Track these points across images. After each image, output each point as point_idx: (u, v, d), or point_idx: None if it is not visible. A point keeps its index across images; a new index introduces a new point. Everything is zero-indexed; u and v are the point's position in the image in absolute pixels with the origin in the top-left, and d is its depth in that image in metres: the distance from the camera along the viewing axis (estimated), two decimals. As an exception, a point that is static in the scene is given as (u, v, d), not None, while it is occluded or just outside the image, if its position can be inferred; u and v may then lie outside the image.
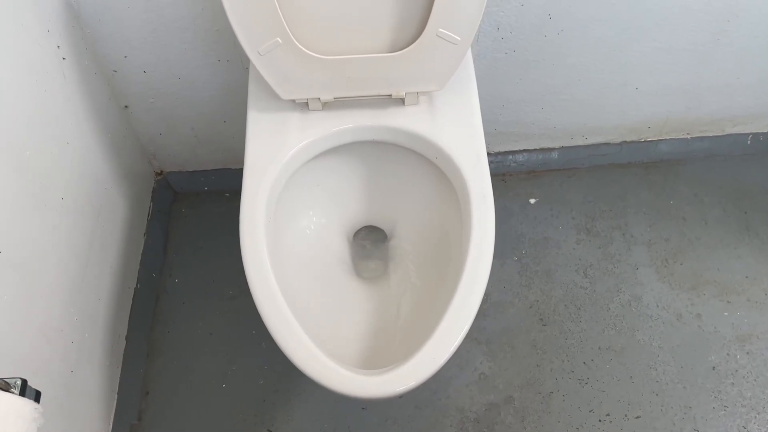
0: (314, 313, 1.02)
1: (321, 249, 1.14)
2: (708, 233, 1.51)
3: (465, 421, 1.27)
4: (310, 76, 0.99)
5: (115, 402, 1.24)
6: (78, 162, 1.13)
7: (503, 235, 1.50)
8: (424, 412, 1.28)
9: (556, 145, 1.56)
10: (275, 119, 1.04)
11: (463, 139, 1.01)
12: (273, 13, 0.89)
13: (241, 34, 0.92)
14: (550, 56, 1.28)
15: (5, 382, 0.63)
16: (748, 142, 1.61)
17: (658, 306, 1.41)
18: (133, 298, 1.34)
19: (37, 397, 0.66)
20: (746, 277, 1.45)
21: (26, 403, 0.62)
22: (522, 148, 1.56)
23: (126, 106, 1.30)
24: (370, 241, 1.24)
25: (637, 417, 1.28)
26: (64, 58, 1.08)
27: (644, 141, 1.58)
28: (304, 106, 1.05)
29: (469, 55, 1.10)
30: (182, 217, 1.53)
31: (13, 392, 0.63)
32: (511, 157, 1.57)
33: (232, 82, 1.26)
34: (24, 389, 0.64)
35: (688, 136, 1.58)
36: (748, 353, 1.35)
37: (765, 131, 1.61)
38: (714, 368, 1.33)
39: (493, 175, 1.00)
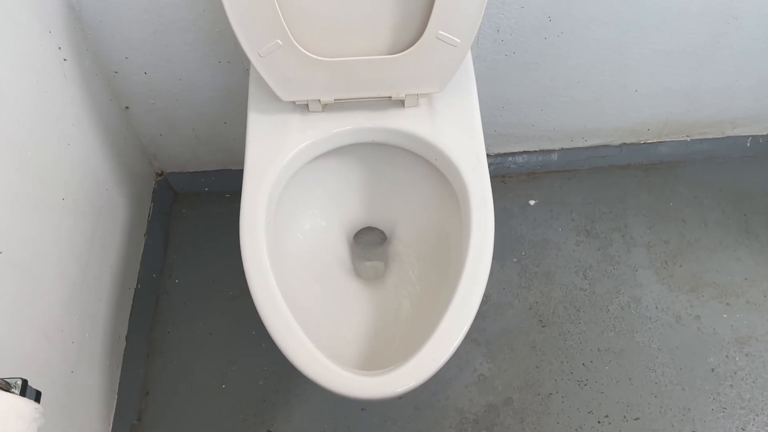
0: (314, 314, 1.03)
1: (321, 250, 1.14)
2: (707, 235, 1.51)
3: (464, 422, 1.28)
4: (310, 78, 0.99)
5: (115, 402, 1.24)
6: (79, 162, 1.13)
7: (503, 236, 1.50)
8: (423, 413, 1.28)
9: (556, 146, 1.56)
10: (275, 120, 1.04)
11: (463, 141, 1.01)
12: (273, 15, 0.90)
13: (241, 35, 0.92)
14: (550, 58, 1.29)
15: (6, 382, 0.63)
16: (748, 144, 1.61)
17: (657, 308, 1.41)
18: (133, 299, 1.34)
19: (37, 397, 0.66)
20: (745, 279, 1.45)
21: (27, 403, 0.62)
22: (522, 150, 1.57)
23: (127, 107, 1.30)
24: (370, 243, 1.24)
25: (636, 418, 1.28)
26: (65, 59, 1.08)
27: (644, 143, 1.58)
28: (305, 107, 1.05)
29: (469, 57, 1.11)
30: (183, 218, 1.54)
31: (13, 392, 0.63)
32: (510, 158, 1.58)
33: (232, 84, 1.26)
34: (24, 389, 0.64)
35: (688, 139, 1.59)
36: (747, 355, 1.35)
37: (765, 134, 1.61)
38: (713, 370, 1.33)
39: (492, 177, 1.01)
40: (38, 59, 1.00)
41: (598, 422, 1.28)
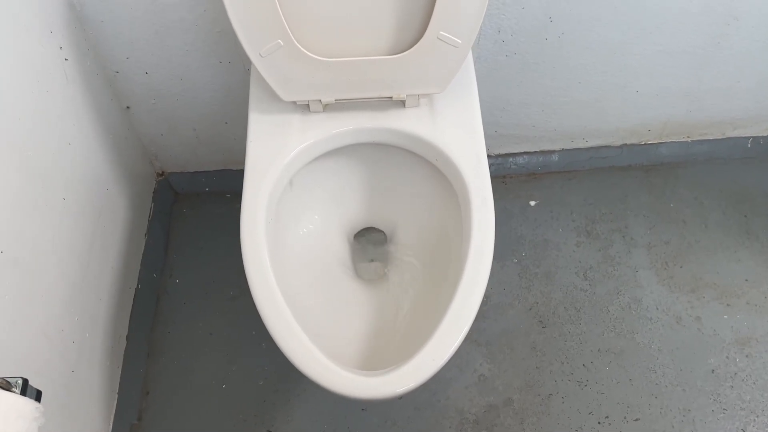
0: (314, 314, 1.03)
1: (321, 250, 1.14)
2: (708, 236, 1.51)
3: (464, 423, 1.28)
4: (311, 78, 0.99)
5: (116, 402, 1.24)
6: (79, 162, 1.13)
7: (503, 237, 1.50)
8: (423, 414, 1.28)
9: (557, 147, 1.56)
10: (276, 121, 1.04)
11: (464, 141, 1.01)
12: (274, 16, 0.90)
13: (242, 35, 0.92)
14: (550, 59, 1.29)
15: (6, 381, 0.63)
16: (749, 145, 1.61)
17: (657, 309, 1.41)
18: (133, 299, 1.34)
19: (38, 396, 0.66)
20: (746, 280, 1.45)
21: (27, 403, 0.62)
22: (522, 151, 1.57)
23: (128, 107, 1.30)
24: (370, 243, 1.24)
25: (636, 419, 1.28)
26: (66, 59, 1.08)
27: (644, 144, 1.58)
28: (305, 107, 1.05)
29: (469, 57, 1.11)
30: (183, 218, 1.54)
31: (14, 391, 0.63)
32: (511, 159, 1.58)
33: (233, 84, 1.27)
34: (25, 389, 0.64)
35: (689, 139, 1.59)
36: (747, 356, 1.35)
37: (765, 134, 1.61)
38: (713, 371, 1.33)
39: (493, 177, 1.01)
40: (39, 59, 1.01)
41: (599, 423, 1.28)
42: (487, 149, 1.04)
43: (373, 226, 1.23)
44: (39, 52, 1.00)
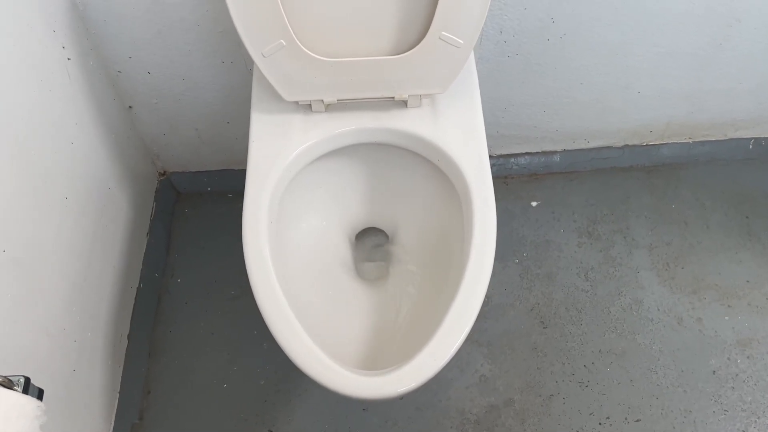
0: (316, 314, 1.03)
1: (323, 250, 1.14)
2: (709, 237, 1.51)
3: (465, 423, 1.28)
4: (313, 78, 0.99)
5: (117, 401, 1.24)
6: (82, 162, 1.14)
7: (505, 237, 1.50)
8: (424, 414, 1.28)
9: (559, 148, 1.56)
10: (278, 121, 1.04)
11: (466, 142, 1.01)
12: (277, 16, 0.90)
13: (245, 36, 0.92)
14: (552, 60, 1.29)
15: (8, 379, 0.63)
16: (750, 146, 1.61)
17: (659, 310, 1.41)
18: (135, 298, 1.34)
19: (39, 395, 0.66)
20: (747, 281, 1.45)
21: (29, 401, 0.62)
22: (524, 151, 1.57)
23: (130, 107, 1.31)
24: (371, 243, 1.24)
25: (637, 420, 1.28)
26: (69, 59, 1.08)
27: (646, 145, 1.58)
28: (307, 107, 1.05)
29: (471, 58, 1.11)
30: (185, 218, 1.54)
31: (16, 390, 0.63)
32: (513, 159, 1.58)
33: (235, 84, 1.27)
34: (27, 387, 0.64)
35: (690, 140, 1.59)
36: (748, 357, 1.35)
37: (767, 136, 1.61)
38: (714, 372, 1.33)
39: (495, 178, 1.01)
40: (42, 58, 1.01)
41: (600, 424, 1.28)
42: (489, 150, 1.04)
43: (375, 226, 1.23)
44: (41, 52, 1.01)
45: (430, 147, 1.02)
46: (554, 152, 1.57)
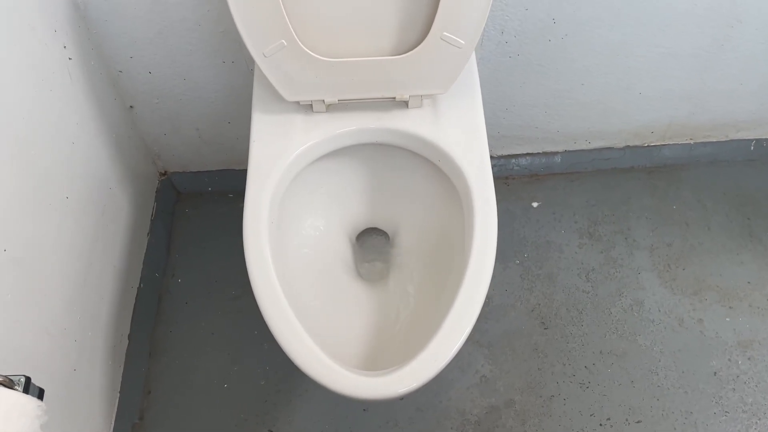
0: (316, 314, 1.03)
1: (323, 250, 1.14)
2: (711, 239, 1.51)
3: (466, 424, 1.27)
4: (314, 79, 0.99)
5: (117, 401, 1.24)
6: (83, 161, 1.14)
7: (506, 238, 1.50)
8: (425, 414, 1.28)
9: (560, 149, 1.56)
10: (279, 121, 1.04)
11: (467, 143, 1.01)
12: (278, 16, 0.90)
13: (246, 35, 0.92)
14: (554, 60, 1.29)
15: (9, 379, 0.63)
16: (752, 147, 1.61)
17: (660, 311, 1.41)
18: (135, 298, 1.34)
19: (40, 394, 0.66)
20: (748, 282, 1.45)
21: (29, 401, 0.62)
22: (525, 152, 1.57)
23: (131, 107, 1.31)
24: (372, 243, 1.24)
25: (638, 421, 1.28)
26: (70, 58, 1.08)
27: (647, 146, 1.58)
28: (308, 107, 1.05)
29: (473, 58, 1.11)
30: (185, 218, 1.54)
31: (16, 389, 0.63)
32: (514, 160, 1.58)
33: (236, 84, 1.27)
34: (27, 387, 0.64)
35: (692, 141, 1.59)
36: (749, 359, 1.35)
37: (768, 137, 1.61)
38: (715, 374, 1.33)
39: (496, 179, 1.01)
40: (43, 58, 1.01)
41: (600, 425, 1.28)
42: (490, 150, 1.04)
43: (376, 226, 1.23)
44: (42, 52, 1.01)
45: (431, 147, 1.02)
46: (555, 153, 1.57)
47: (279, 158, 1.00)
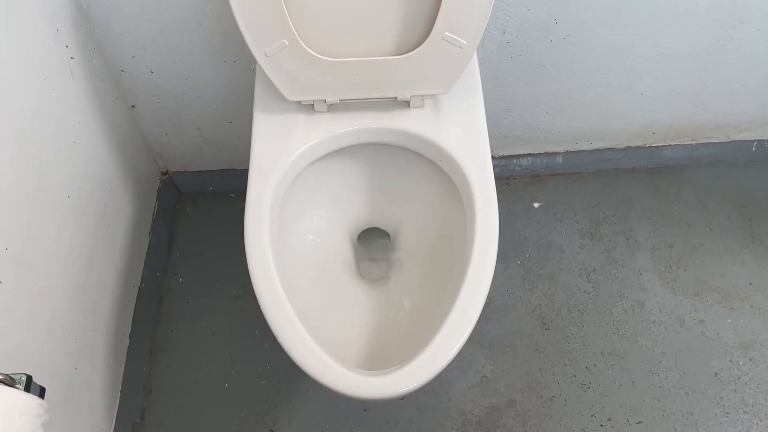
0: (317, 314, 1.03)
1: (325, 250, 1.14)
2: (712, 239, 1.51)
3: (466, 424, 1.27)
4: (316, 78, 0.99)
5: (118, 400, 1.24)
6: (84, 161, 1.14)
7: (507, 238, 1.50)
8: (425, 415, 1.28)
9: (561, 149, 1.56)
10: (281, 120, 1.04)
11: (468, 143, 1.01)
12: (280, 15, 0.90)
13: (248, 35, 0.93)
14: (555, 61, 1.29)
15: (10, 377, 0.63)
16: (753, 148, 1.61)
17: (661, 311, 1.40)
18: (137, 297, 1.34)
19: (41, 393, 0.66)
20: (750, 283, 1.44)
21: (31, 399, 0.62)
22: (526, 152, 1.57)
23: (133, 106, 1.31)
24: (373, 243, 1.24)
25: (639, 422, 1.28)
26: (72, 58, 1.08)
27: (649, 146, 1.58)
28: (310, 107, 1.05)
29: (474, 58, 1.11)
30: (187, 217, 1.54)
31: (18, 388, 0.63)
32: (515, 160, 1.58)
33: (238, 83, 1.27)
34: (29, 385, 0.64)
35: (693, 142, 1.58)
36: (750, 360, 1.34)
37: (770, 138, 1.61)
38: (716, 375, 1.33)
39: (497, 179, 1.00)
40: (45, 57, 1.01)
41: (601, 426, 1.28)
42: (492, 150, 1.04)
43: (377, 226, 1.23)
44: (45, 51, 1.01)
45: (433, 147, 1.02)
46: (557, 153, 1.57)
47: (280, 158, 1.00)
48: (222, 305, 1.41)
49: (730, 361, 1.34)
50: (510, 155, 1.57)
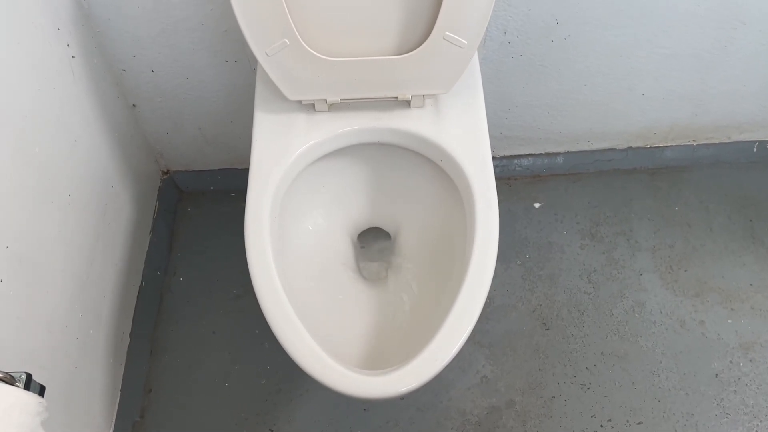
0: (317, 314, 1.03)
1: (325, 250, 1.14)
2: (713, 240, 1.51)
3: (466, 424, 1.27)
4: (316, 78, 0.99)
5: (118, 399, 1.24)
6: (85, 160, 1.14)
7: (507, 238, 1.50)
8: (425, 415, 1.28)
9: (562, 149, 1.56)
10: (281, 120, 1.04)
11: (469, 143, 1.01)
12: (281, 15, 0.90)
13: (249, 35, 0.93)
14: (556, 61, 1.29)
15: (10, 375, 0.63)
16: (754, 149, 1.61)
17: (661, 312, 1.40)
18: (137, 296, 1.34)
19: (41, 391, 0.66)
20: (750, 284, 1.44)
21: (30, 397, 0.62)
22: (527, 153, 1.57)
23: (134, 105, 1.31)
24: (373, 243, 1.24)
25: (639, 423, 1.28)
26: (73, 57, 1.08)
27: (650, 147, 1.58)
28: (311, 107, 1.05)
29: (475, 58, 1.11)
30: (188, 217, 1.54)
31: (17, 386, 0.63)
32: (516, 161, 1.58)
33: (239, 83, 1.27)
34: (29, 383, 0.64)
35: (694, 143, 1.58)
36: (751, 361, 1.34)
37: (771, 139, 1.60)
38: (717, 375, 1.33)
39: (498, 179, 1.00)
40: (46, 56, 1.01)
41: (601, 426, 1.28)
42: (492, 151, 1.04)
43: (377, 226, 1.23)
44: (46, 50, 1.01)
45: (433, 147, 1.02)
46: (557, 154, 1.57)
47: (281, 157, 1.00)
48: (222, 305, 1.41)
49: (731, 362, 1.34)
50: (511, 155, 1.57)
